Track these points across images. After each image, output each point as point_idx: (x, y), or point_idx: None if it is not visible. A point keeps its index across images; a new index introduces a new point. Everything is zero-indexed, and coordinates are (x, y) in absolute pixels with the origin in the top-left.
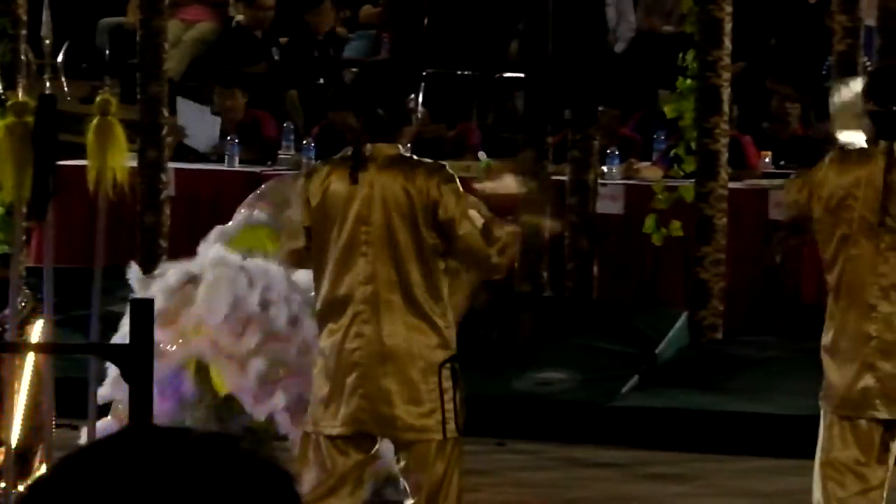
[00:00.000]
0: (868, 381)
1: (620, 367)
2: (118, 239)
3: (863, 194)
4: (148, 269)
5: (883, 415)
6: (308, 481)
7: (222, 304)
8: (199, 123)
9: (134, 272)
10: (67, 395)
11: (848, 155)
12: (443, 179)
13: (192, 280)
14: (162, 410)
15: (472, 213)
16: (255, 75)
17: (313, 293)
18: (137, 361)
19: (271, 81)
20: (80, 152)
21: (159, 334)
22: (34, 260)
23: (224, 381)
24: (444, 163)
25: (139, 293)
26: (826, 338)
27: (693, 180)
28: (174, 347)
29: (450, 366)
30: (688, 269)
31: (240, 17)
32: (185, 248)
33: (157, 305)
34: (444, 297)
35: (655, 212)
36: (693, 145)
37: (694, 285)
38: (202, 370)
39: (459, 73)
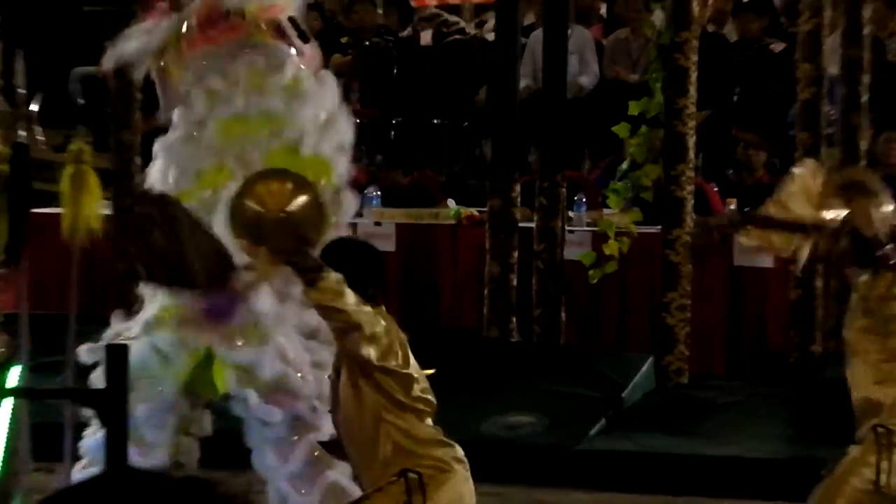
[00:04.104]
0: None
1: (587, 411)
2: (92, 285)
3: None
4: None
5: None
6: None
7: None
8: None
9: (111, 331)
10: (43, 439)
11: None
12: None
13: None
14: None
15: None
16: None
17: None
18: (113, 406)
19: None
20: (53, 200)
21: None
22: (9, 307)
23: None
24: None
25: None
26: None
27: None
28: None
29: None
30: (653, 315)
31: None
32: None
33: None
34: None
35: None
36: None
37: (660, 330)
38: None
39: (428, 120)
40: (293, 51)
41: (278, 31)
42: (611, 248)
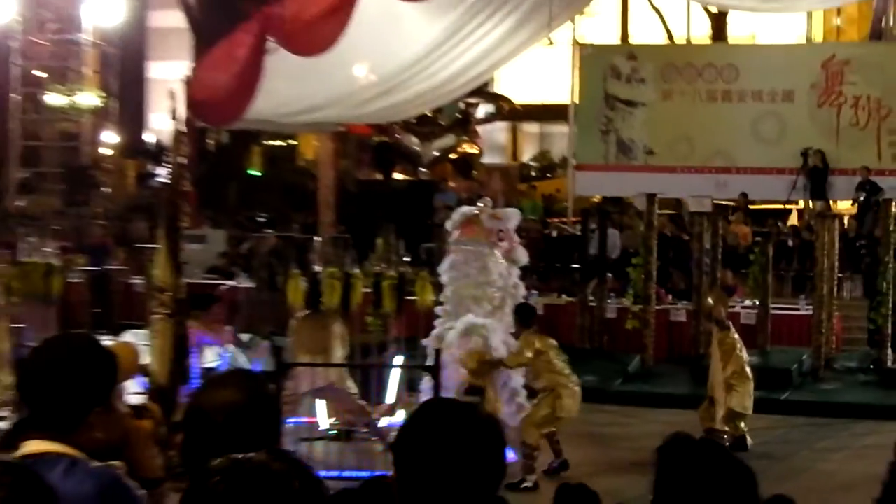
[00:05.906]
0: None
1: (615, 375)
2: (413, 322)
3: None
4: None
5: None
6: None
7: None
8: None
9: (434, 333)
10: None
11: None
12: None
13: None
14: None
15: None
16: None
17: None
18: (434, 371)
19: None
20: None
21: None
22: (400, 333)
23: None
24: None
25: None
26: None
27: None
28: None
29: None
30: (638, 339)
31: None
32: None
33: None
34: None
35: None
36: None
37: (641, 345)
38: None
39: (554, 265)
40: (499, 244)
41: (490, 236)
42: (633, 313)
